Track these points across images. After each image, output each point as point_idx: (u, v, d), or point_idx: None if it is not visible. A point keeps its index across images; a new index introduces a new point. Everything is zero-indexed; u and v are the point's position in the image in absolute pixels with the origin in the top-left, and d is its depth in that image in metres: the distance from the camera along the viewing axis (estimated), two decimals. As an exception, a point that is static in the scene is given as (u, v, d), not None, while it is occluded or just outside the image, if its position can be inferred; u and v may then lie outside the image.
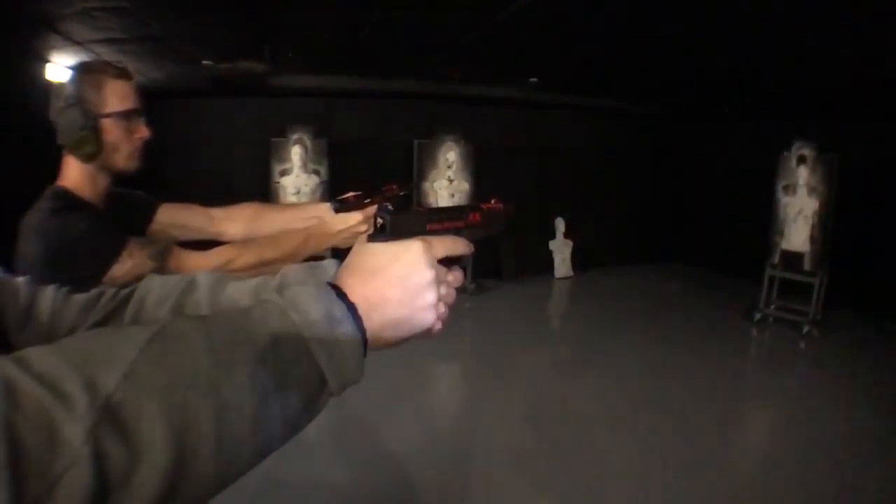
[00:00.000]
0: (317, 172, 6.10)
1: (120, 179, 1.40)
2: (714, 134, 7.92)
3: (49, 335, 0.66)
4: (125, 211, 1.43)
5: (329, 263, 0.74)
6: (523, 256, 7.34)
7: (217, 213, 1.59)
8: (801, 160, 5.57)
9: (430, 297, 0.57)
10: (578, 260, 7.72)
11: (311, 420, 0.50)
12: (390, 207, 0.59)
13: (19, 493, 0.34)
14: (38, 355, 0.40)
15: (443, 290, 0.59)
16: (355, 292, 0.54)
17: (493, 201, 0.72)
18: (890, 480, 3.13)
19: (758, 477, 3.22)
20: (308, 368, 0.48)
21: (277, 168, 6.01)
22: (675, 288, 7.52)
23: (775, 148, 5.82)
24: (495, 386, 4.36)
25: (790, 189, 5.68)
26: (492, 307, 6.34)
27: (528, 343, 5.35)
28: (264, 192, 5.92)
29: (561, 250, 7.68)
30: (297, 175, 6.04)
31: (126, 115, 1.32)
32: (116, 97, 1.30)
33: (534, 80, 5.53)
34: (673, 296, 7.17)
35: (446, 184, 6.67)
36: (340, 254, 0.72)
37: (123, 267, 1.22)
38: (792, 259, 5.66)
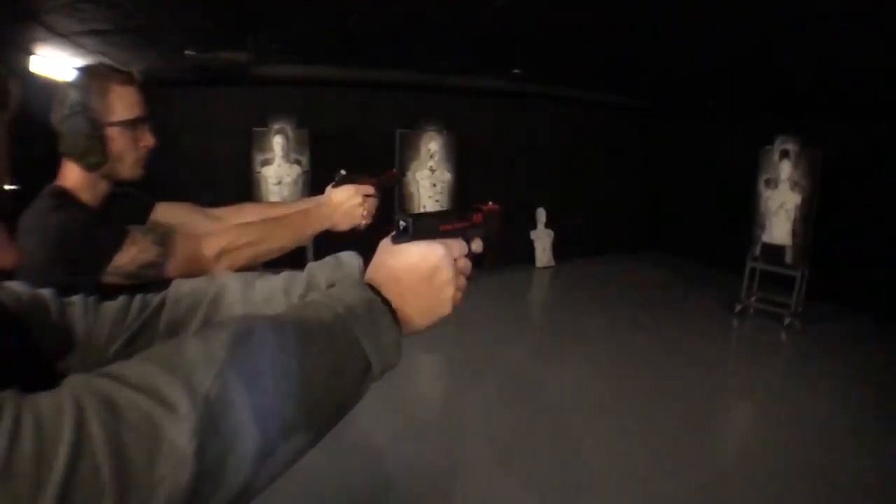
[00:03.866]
0: (298, 162, 6.17)
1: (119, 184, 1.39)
2: (698, 126, 8.13)
3: (85, 347, 0.70)
4: (120, 210, 1.42)
5: (349, 256, 0.84)
6: (504, 246, 7.44)
7: (216, 212, 1.59)
8: (784, 155, 5.74)
9: (450, 290, 0.69)
10: (559, 249, 7.87)
11: (356, 402, 0.59)
12: (411, 213, 0.73)
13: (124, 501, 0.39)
14: (130, 367, 0.45)
15: (461, 280, 0.72)
16: (391, 289, 0.65)
17: (490, 203, 0.85)
18: (868, 469, 3.28)
19: (737, 466, 3.37)
20: (357, 356, 0.57)
21: (259, 158, 6.07)
22: (657, 278, 7.71)
23: (759, 142, 6.00)
24: (475, 375, 4.48)
25: (772, 183, 5.86)
26: (472, 297, 6.34)
27: (508, 332, 5.49)
28: (246, 183, 5.98)
29: (542, 240, 7.83)
30: (278, 165, 6.10)
31: (132, 124, 1.31)
32: (122, 105, 1.29)
33: (517, 71, 5.63)
34: (655, 286, 7.36)
35: (428, 174, 6.76)
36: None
37: (127, 255, 1.20)
38: (774, 252, 5.85)
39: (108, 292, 0.86)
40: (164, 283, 1.21)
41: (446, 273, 0.69)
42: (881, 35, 3.15)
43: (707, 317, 6.11)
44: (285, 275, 0.84)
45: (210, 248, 1.27)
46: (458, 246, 0.72)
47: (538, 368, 4.71)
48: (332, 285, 0.74)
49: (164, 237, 1.25)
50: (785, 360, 5.34)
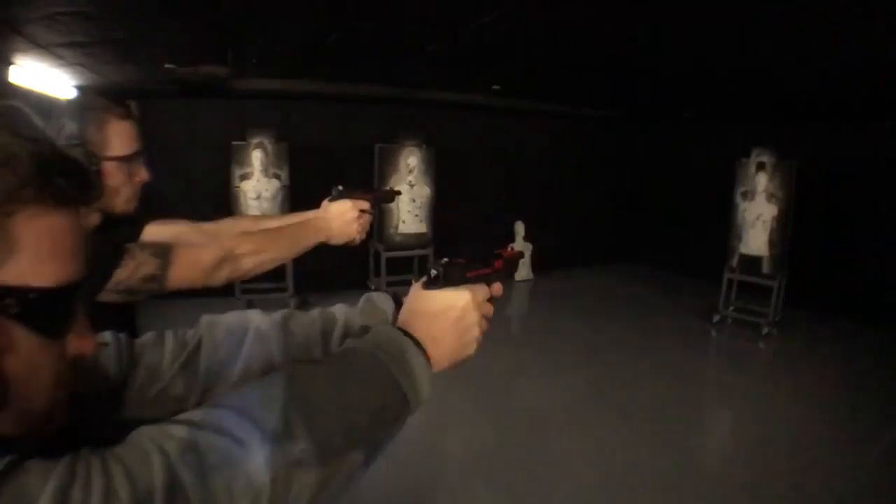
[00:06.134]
0: (277, 177, 6.18)
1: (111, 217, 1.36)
2: (676, 138, 8.34)
3: (120, 393, 0.69)
4: (109, 233, 1.35)
5: (381, 298, 0.89)
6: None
7: (210, 226, 1.56)
8: (760, 167, 5.91)
9: (476, 332, 0.79)
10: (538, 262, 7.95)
11: (396, 434, 0.65)
12: (443, 261, 0.79)
13: None
14: (199, 413, 0.52)
15: (483, 324, 0.81)
16: (423, 332, 0.73)
17: (510, 248, 0.96)
18: (846, 477, 3.36)
19: (716, 475, 3.43)
20: (396, 393, 0.64)
21: (237, 172, 6.07)
22: (635, 289, 7.83)
23: (736, 153, 6.16)
24: (454, 388, 4.46)
25: (749, 195, 6.01)
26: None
27: (487, 346, 5.43)
28: (224, 197, 5.96)
29: (520, 253, 7.87)
30: (257, 179, 6.11)
31: (128, 160, 1.31)
32: (119, 139, 1.29)
33: (496, 87, 5.72)
34: (633, 297, 7.47)
35: (407, 189, 6.80)
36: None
37: (126, 270, 1.18)
38: (751, 262, 6.00)
39: (109, 310, 0.85)
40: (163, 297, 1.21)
41: (472, 317, 0.77)
42: (854, 42, 3.24)
43: (685, 327, 6.21)
44: (317, 316, 0.86)
45: (209, 257, 1.28)
46: (482, 292, 0.81)
47: (516, 381, 4.76)
48: (366, 327, 0.82)
49: (163, 249, 1.25)
50: (763, 368, 5.46)
